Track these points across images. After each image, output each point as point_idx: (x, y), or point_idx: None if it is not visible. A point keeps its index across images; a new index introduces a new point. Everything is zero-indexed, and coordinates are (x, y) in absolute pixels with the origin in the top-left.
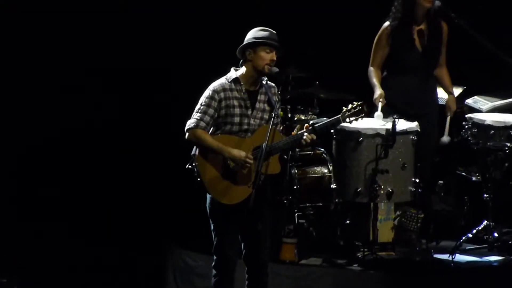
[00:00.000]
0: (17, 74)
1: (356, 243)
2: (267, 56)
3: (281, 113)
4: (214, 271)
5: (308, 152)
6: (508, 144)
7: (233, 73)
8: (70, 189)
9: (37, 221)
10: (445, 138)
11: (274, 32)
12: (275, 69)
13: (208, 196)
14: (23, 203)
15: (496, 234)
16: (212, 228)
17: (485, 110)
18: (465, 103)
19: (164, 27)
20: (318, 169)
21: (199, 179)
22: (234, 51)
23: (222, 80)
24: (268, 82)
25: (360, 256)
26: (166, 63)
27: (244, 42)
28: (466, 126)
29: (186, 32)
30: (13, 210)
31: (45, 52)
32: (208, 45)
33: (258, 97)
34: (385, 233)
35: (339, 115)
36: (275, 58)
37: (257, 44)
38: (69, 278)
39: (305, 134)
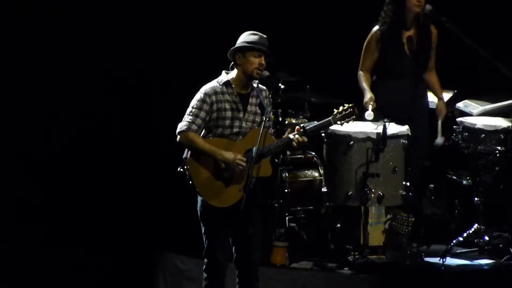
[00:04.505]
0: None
1: (347, 246)
2: (255, 61)
3: (272, 116)
4: (204, 275)
5: (299, 156)
6: (499, 148)
7: (224, 76)
8: (60, 193)
9: (27, 224)
10: (439, 140)
11: (265, 36)
12: (266, 73)
13: (199, 199)
14: (13, 207)
15: (486, 238)
16: (203, 231)
17: (476, 114)
18: (456, 107)
19: (155, 30)
20: (309, 172)
21: (190, 182)
22: (225, 54)
23: (213, 83)
24: (259, 85)
25: (351, 259)
26: (156, 66)
27: (235, 46)
28: (457, 130)
29: (177, 36)
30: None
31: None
32: (199, 48)
33: (250, 100)
34: (376, 237)
35: (330, 117)
36: (263, 62)
37: (246, 48)
38: (59, 282)
39: (296, 136)
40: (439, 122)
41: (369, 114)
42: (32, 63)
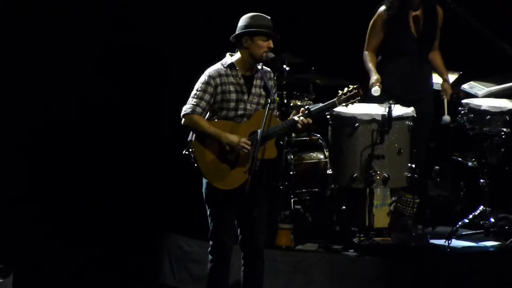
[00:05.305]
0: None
1: (352, 228)
2: (264, 44)
3: (277, 98)
4: (210, 257)
5: (304, 138)
6: (504, 130)
7: (228, 59)
8: (64, 178)
9: (33, 209)
10: (446, 117)
11: (269, 17)
12: (271, 55)
13: (204, 181)
14: (20, 191)
15: (492, 220)
16: (208, 213)
17: (481, 96)
18: (461, 88)
19: (158, 16)
20: (314, 155)
21: (195, 165)
22: (228, 36)
23: (217, 66)
24: (264, 67)
25: (356, 241)
26: (160, 49)
27: (239, 29)
28: (462, 112)
29: (179, 19)
30: (11, 199)
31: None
32: (202, 31)
33: (254, 82)
34: (381, 219)
35: (334, 99)
36: (272, 45)
37: (254, 32)
38: (64, 264)
39: (301, 117)
40: (445, 100)
41: (375, 90)
42: (32, 63)
